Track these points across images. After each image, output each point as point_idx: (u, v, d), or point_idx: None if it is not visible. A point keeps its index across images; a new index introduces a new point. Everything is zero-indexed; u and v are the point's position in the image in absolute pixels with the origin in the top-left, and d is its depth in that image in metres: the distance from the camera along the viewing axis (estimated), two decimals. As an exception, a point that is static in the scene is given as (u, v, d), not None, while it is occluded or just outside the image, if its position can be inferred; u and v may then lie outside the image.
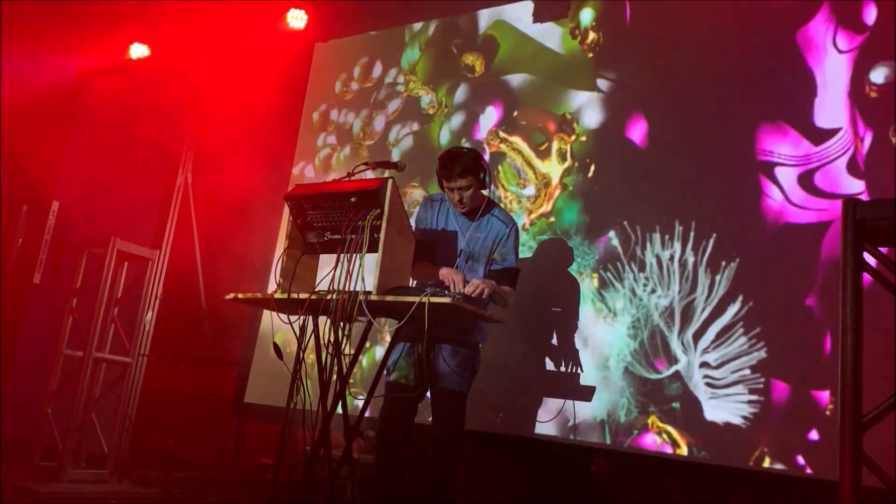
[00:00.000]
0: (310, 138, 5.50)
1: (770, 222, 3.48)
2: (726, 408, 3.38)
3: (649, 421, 3.57)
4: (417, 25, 5.14)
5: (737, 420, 3.35)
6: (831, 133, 3.41)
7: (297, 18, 5.67)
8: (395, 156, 4.90)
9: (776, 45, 3.66)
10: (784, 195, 3.47)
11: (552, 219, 4.15)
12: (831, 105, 3.44)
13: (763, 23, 3.73)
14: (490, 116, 4.55)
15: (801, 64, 3.56)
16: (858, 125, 3.36)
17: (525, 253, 4.13)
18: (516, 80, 4.54)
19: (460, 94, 4.76)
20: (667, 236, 3.73)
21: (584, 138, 4.16)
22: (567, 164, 4.18)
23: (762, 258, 3.46)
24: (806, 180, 3.43)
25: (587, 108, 4.19)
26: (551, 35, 4.46)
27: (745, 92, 3.69)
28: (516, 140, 4.40)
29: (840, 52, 3.48)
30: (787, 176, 3.48)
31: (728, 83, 3.77)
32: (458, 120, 4.70)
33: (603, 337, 3.80)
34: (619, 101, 4.10)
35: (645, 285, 3.74)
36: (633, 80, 4.09)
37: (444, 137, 4.72)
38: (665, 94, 3.96)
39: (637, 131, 3.98)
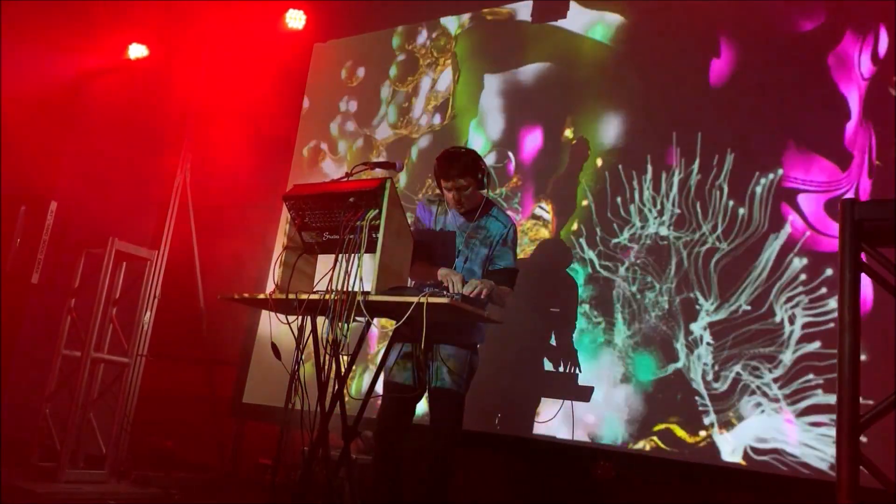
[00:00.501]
0: (309, 139, 5.49)
1: (795, 248, 3.43)
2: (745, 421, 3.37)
3: (648, 422, 3.57)
4: (445, 20, 5.05)
5: (745, 429, 3.35)
6: (853, 158, 3.38)
7: (295, 19, 5.67)
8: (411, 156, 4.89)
9: (808, 66, 3.58)
10: (807, 222, 3.42)
11: (574, 227, 4.09)
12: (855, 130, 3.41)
13: (796, 43, 3.66)
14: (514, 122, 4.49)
15: (831, 86, 3.49)
16: (867, 153, 3.34)
17: (524, 253, 4.13)
18: (535, 78, 4.50)
19: (485, 94, 4.69)
20: (688, 249, 3.71)
21: (603, 151, 4.10)
22: (586, 175, 4.13)
23: (789, 284, 3.42)
24: (832, 207, 3.37)
25: (609, 122, 4.13)
26: (583, 38, 4.40)
27: (774, 114, 3.62)
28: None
29: (863, 78, 3.44)
30: (813, 202, 3.42)
31: (757, 104, 3.69)
32: (486, 124, 4.63)
33: (603, 339, 3.80)
34: (642, 118, 4.03)
35: (657, 294, 3.73)
36: (656, 96, 4.02)
37: (478, 145, 4.60)
38: (692, 112, 3.88)
39: (663, 149, 3.90)
